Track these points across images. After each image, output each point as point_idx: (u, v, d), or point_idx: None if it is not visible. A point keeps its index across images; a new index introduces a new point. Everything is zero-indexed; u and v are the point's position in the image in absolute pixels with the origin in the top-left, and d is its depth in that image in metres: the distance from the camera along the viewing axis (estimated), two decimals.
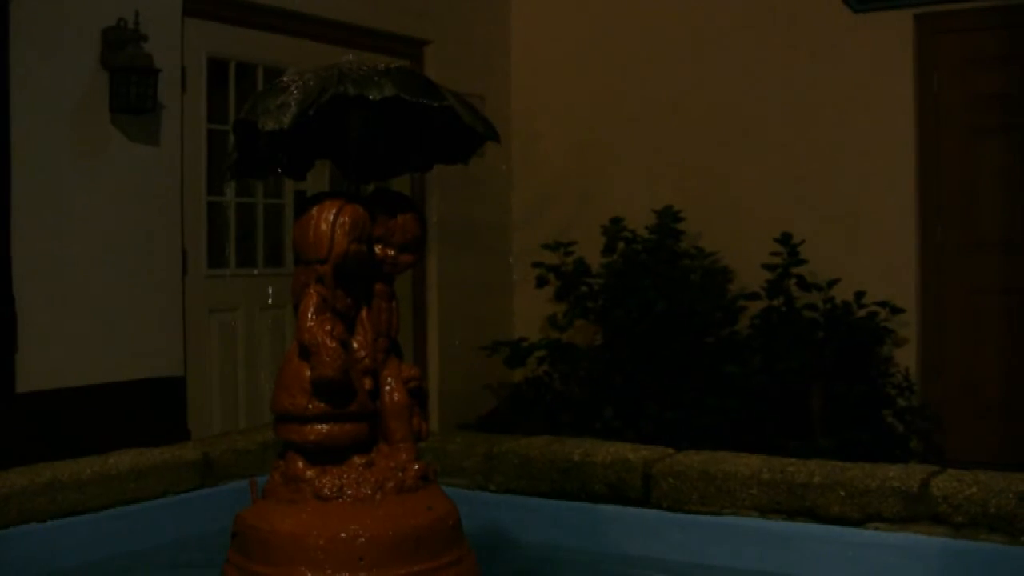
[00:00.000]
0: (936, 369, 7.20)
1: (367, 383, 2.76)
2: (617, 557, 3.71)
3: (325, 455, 2.71)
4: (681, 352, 6.90)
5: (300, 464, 2.71)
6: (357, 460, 2.72)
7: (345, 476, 2.69)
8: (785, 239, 7.01)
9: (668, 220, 7.37)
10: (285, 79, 2.66)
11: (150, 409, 5.91)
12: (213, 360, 6.50)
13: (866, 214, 7.28)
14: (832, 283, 6.97)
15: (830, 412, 6.63)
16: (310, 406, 2.66)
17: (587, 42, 8.28)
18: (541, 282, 7.49)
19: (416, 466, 2.77)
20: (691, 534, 3.63)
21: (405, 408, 2.83)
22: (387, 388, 2.83)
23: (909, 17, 7.19)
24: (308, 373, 2.65)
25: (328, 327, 2.64)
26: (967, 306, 7.15)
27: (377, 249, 2.83)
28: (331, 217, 2.69)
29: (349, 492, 2.67)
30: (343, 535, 2.60)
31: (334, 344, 2.62)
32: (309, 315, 2.66)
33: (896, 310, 6.92)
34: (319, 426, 2.67)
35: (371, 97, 2.58)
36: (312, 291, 2.68)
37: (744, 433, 6.40)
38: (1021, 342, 7.00)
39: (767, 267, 7.04)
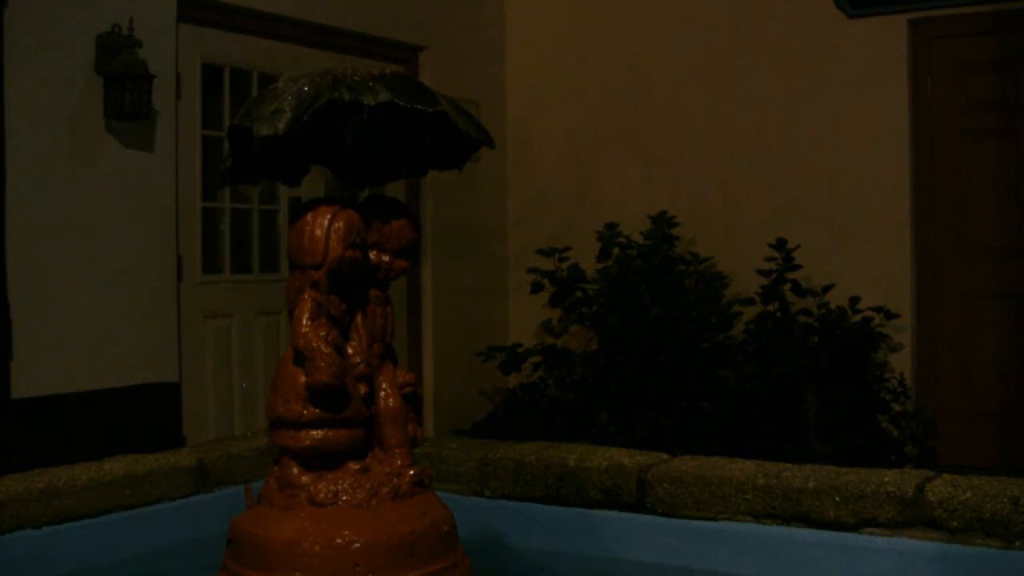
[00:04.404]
0: (931, 374, 7.21)
1: (362, 389, 2.77)
2: (612, 563, 3.71)
3: (320, 461, 2.71)
4: (676, 358, 6.90)
5: (295, 470, 2.71)
6: (352, 466, 2.73)
7: (340, 482, 2.69)
8: (780, 244, 7.01)
9: (663, 225, 7.37)
10: (280, 85, 2.66)
11: (145, 415, 5.91)
12: (208, 366, 6.49)
13: (861, 219, 7.29)
14: (827, 288, 6.98)
15: (825, 417, 6.63)
16: (305, 412, 2.66)
17: (582, 48, 8.29)
18: (536, 288, 7.49)
19: (411, 472, 2.78)
20: (686, 539, 3.64)
21: (400, 414, 2.83)
22: (382, 394, 2.83)
23: (904, 22, 7.20)
24: (303, 379, 2.65)
25: (323, 333, 2.64)
26: (962, 311, 7.16)
27: (372, 255, 2.83)
28: (326, 223, 2.69)
29: (344, 498, 2.67)
30: (338, 541, 2.60)
31: (329, 350, 2.62)
32: (304, 321, 2.66)
33: (891, 315, 6.93)
34: (314, 432, 2.67)
35: (366, 103, 2.58)
36: (307, 297, 2.69)
37: (739, 438, 6.40)
38: (1015, 347, 7.01)
39: (762, 272, 7.04)
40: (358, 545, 2.60)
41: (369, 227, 2.81)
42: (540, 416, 7.21)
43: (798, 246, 7.03)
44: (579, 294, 7.42)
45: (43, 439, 5.37)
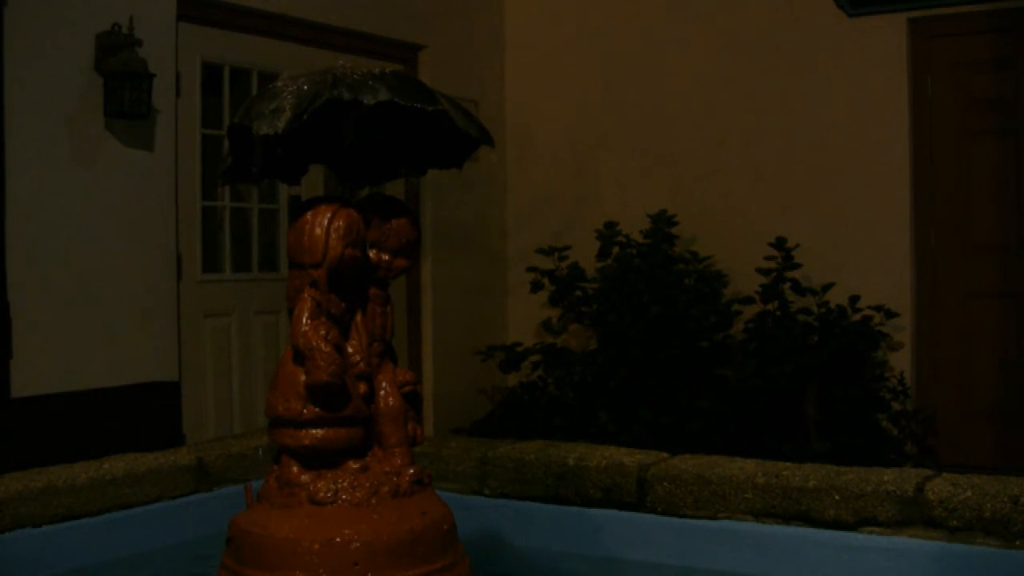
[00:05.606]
0: (931, 373, 7.21)
1: (362, 387, 2.76)
2: (612, 562, 3.71)
3: (320, 459, 2.71)
4: (675, 357, 6.91)
5: (295, 469, 2.71)
6: (352, 465, 2.72)
7: (340, 481, 2.69)
8: (779, 243, 7.02)
9: (662, 224, 7.37)
10: (279, 84, 2.66)
11: (145, 414, 5.91)
12: (208, 365, 6.49)
13: (860, 218, 7.29)
14: (827, 287, 6.98)
15: (825, 416, 6.63)
16: (305, 411, 2.66)
17: (581, 46, 8.29)
18: (535, 287, 7.49)
19: (411, 471, 2.77)
20: (686, 538, 3.64)
21: (400, 412, 2.83)
22: (382, 392, 2.83)
23: (903, 21, 7.20)
24: (303, 378, 2.65)
25: (323, 331, 2.63)
26: (961, 310, 7.16)
27: (371, 253, 2.83)
28: (325, 222, 2.69)
29: (344, 497, 2.67)
30: (338, 540, 2.60)
31: (328, 348, 2.62)
32: (304, 319, 2.66)
33: (891, 314, 6.93)
34: (314, 431, 2.67)
35: (365, 101, 2.58)
36: (307, 296, 2.68)
37: (739, 437, 6.40)
38: (1015, 346, 7.01)
39: (761, 271, 7.04)
40: (357, 544, 2.60)
41: (369, 226, 2.80)
42: (539, 415, 7.21)
43: (798, 245, 7.03)
44: (578, 293, 7.43)
45: (43, 438, 5.37)
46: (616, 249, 7.39)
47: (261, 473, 3.87)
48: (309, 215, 2.71)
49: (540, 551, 3.80)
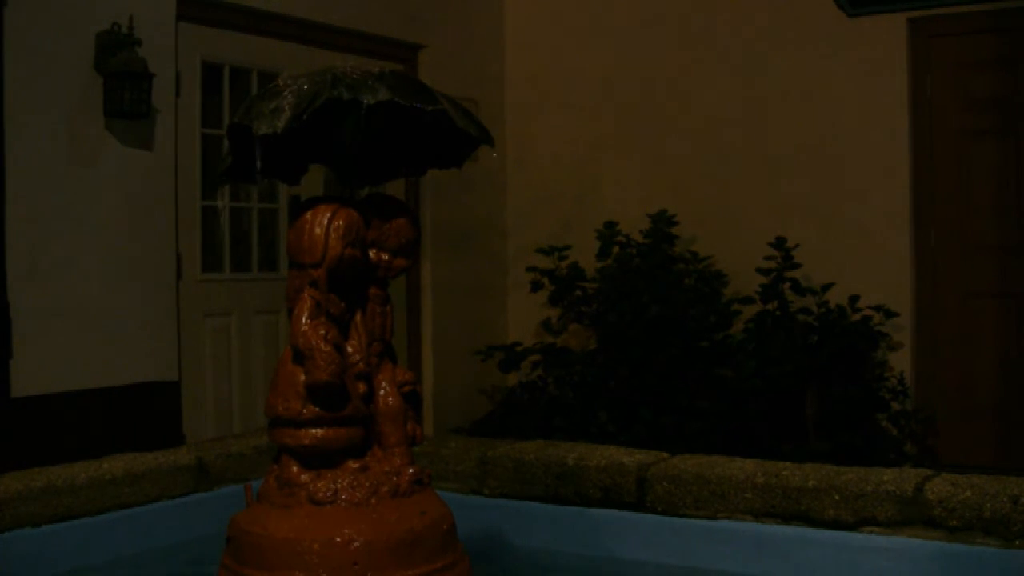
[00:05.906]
0: (931, 373, 7.21)
1: (361, 387, 2.76)
2: (611, 561, 3.71)
3: (320, 459, 2.71)
4: (675, 356, 6.90)
5: (295, 468, 2.71)
6: (351, 464, 2.73)
7: (340, 480, 2.69)
8: (779, 243, 7.02)
9: (662, 224, 7.37)
10: (279, 83, 2.66)
11: (145, 413, 5.91)
12: (207, 364, 6.49)
13: (860, 218, 7.29)
14: (826, 287, 6.98)
15: (824, 416, 6.63)
16: (304, 410, 2.66)
17: (581, 46, 8.29)
18: (535, 286, 7.49)
19: (410, 470, 2.78)
20: (685, 538, 3.63)
21: (399, 412, 2.83)
22: (381, 392, 2.83)
23: (903, 21, 7.20)
24: (302, 377, 2.65)
25: (322, 331, 2.63)
26: (961, 310, 7.16)
27: (371, 253, 2.83)
28: (325, 221, 2.69)
29: (344, 496, 2.67)
30: (338, 539, 2.60)
31: (328, 348, 2.62)
32: (303, 319, 2.66)
33: (890, 314, 6.93)
34: (313, 430, 2.67)
35: (365, 101, 2.58)
36: (306, 295, 2.68)
37: (738, 437, 6.40)
38: (1015, 346, 7.01)
39: (761, 271, 7.04)
40: (357, 543, 2.60)
41: (369, 225, 2.80)
42: (539, 415, 7.21)
43: (797, 245, 7.03)
44: (578, 293, 7.42)
45: (42, 438, 5.37)
46: (616, 249, 7.39)
47: (261, 473, 3.87)
48: (309, 215, 2.71)
49: (540, 551, 3.80)
